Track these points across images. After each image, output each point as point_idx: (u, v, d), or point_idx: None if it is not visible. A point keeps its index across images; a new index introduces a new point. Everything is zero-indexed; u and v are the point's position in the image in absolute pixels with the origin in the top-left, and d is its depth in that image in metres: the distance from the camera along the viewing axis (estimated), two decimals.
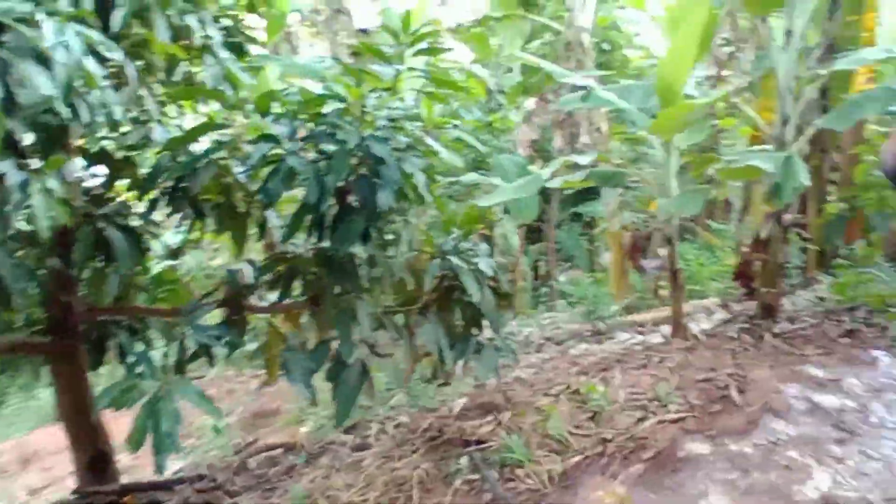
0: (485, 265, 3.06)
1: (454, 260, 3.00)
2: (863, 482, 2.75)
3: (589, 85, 4.07)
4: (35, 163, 2.03)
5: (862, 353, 3.74)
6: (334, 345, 2.79)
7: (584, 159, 3.87)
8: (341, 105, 2.56)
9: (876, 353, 3.72)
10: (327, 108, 2.59)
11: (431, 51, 2.79)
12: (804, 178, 3.35)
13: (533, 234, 7.62)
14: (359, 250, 2.74)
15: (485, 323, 3.25)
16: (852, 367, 3.63)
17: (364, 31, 7.84)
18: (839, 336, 3.94)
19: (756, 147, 4.16)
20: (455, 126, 2.86)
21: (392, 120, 2.59)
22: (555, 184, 3.82)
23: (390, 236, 2.91)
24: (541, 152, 6.94)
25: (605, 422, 3.33)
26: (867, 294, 4.22)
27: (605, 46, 8.32)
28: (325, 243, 2.68)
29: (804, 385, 3.51)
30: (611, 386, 3.66)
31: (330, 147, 2.50)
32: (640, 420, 3.31)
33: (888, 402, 3.32)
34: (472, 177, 4.30)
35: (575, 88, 4.22)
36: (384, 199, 2.47)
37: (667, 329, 4.67)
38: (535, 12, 7.01)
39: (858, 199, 4.11)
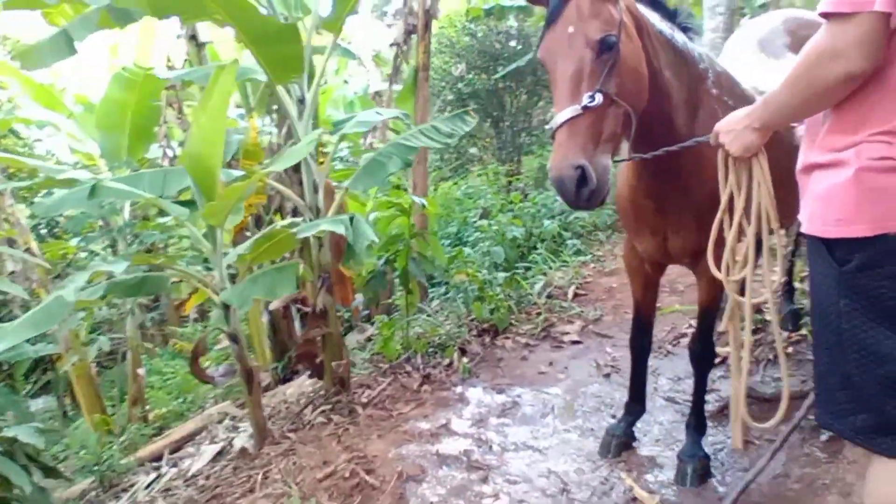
0: None
1: None
2: None
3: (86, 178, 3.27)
4: None
5: (448, 393, 3.88)
6: None
7: (118, 266, 3.05)
8: None
9: (458, 388, 3.91)
10: None
11: None
12: (373, 235, 3.30)
13: None
14: None
15: None
16: (448, 408, 3.72)
17: None
18: (420, 385, 4.01)
19: (297, 218, 3.97)
20: None
21: None
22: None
23: None
24: None
25: None
26: (414, 341, 4.44)
27: None
28: None
29: (421, 442, 3.42)
30: None
31: None
32: None
33: (495, 427, 3.49)
34: None
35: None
36: None
37: (242, 440, 4.06)
38: None
39: (390, 250, 4.32)
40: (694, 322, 4.04)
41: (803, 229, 1.57)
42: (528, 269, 5.18)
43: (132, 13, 3.14)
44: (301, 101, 3.79)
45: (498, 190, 7.22)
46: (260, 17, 2.92)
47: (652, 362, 3.69)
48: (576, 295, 4.73)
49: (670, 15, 2.28)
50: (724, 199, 1.90)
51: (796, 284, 3.84)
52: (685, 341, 3.90)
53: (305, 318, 4.86)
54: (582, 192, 1.87)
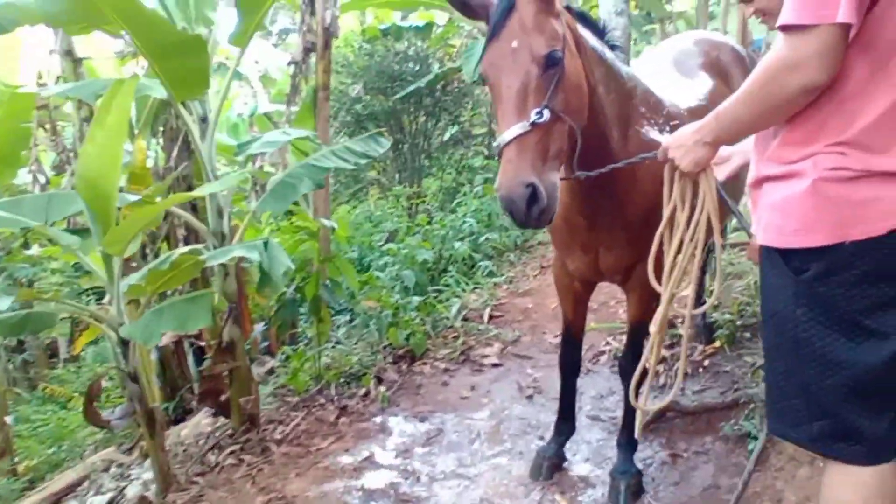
0: None
1: None
2: None
3: None
4: None
5: (368, 423, 3.70)
6: None
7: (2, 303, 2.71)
8: None
9: (378, 418, 3.74)
10: None
11: None
12: (288, 261, 3.11)
13: None
14: None
15: None
16: (369, 440, 3.55)
17: None
18: (336, 417, 3.81)
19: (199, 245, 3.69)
20: None
21: None
22: None
23: None
24: None
25: None
26: (325, 372, 4.24)
27: None
28: None
29: (344, 478, 3.24)
30: None
31: None
32: None
33: (421, 456, 3.35)
34: None
35: None
36: None
37: (137, 488, 3.70)
38: None
39: (299, 276, 4.12)
40: (611, 340, 4.12)
41: (759, 240, 1.57)
42: (440, 292, 5.10)
43: (16, 21, 2.82)
44: (203, 121, 3.56)
45: (402, 213, 7.12)
46: (164, 27, 2.69)
47: None
48: (492, 317, 4.69)
49: (599, 32, 2.28)
50: (666, 213, 1.89)
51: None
52: (605, 359, 3.93)
53: (201, 353, 4.55)
54: (532, 210, 1.82)
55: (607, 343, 4.05)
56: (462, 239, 5.62)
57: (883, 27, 1.29)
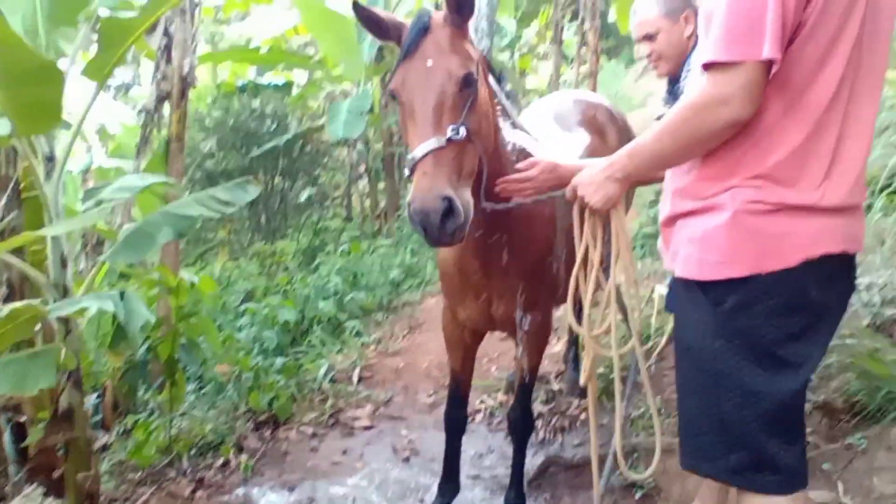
0: None
1: None
2: None
3: None
4: None
5: (229, 496, 3.35)
6: None
7: None
8: None
9: (241, 490, 3.40)
10: None
11: None
12: (148, 314, 2.80)
13: None
14: None
15: None
16: None
17: None
18: (192, 492, 3.41)
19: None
20: None
21: None
22: None
23: None
24: None
25: None
26: (175, 442, 3.82)
27: None
28: None
29: None
30: None
31: None
32: None
33: None
34: None
35: None
36: None
37: None
38: None
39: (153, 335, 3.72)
40: (485, 397, 4.07)
41: (677, 274, 1.59)
42: (304, 353, 4.84)
43: None
44: (50, 160, 3.17)
45: (260, 272, 6.79)
46: (18, 47, 2.37)
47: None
48: (361, 378, 4.49)
49: (497, 78, 2.31)
50: (580, 253, 1.88)
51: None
52: (480, 417, 3.86)
53: (20, 427, 3.96)
54: (447, 225, 1.73)
55: (482, 401, 3.99)
56: (327, 298, 5.41)
57: (797, 66, 1.37)
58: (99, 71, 3.15)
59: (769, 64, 1.32)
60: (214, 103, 8.49)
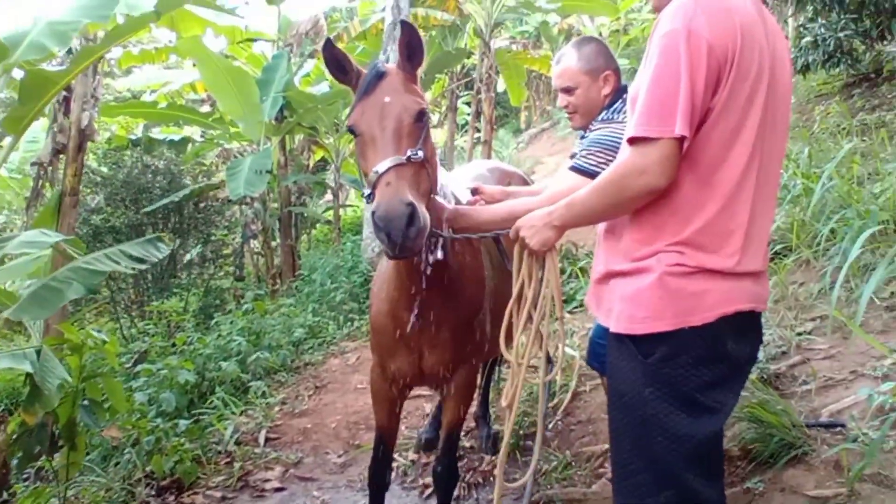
0: None
1: None
2: None
3: None
4: None
5: None
6: None
7: None
8: None
9: None
10: None
11: None
12: (65, 372, 2.71)
13: None
14: None
15: None
16: None
17: None
18: None
19: None
20: None
21: None
22: None
23: None
24: None
25: None
26: None
27: None
28: None
29: None
30: None
31: None
32: None
33: None
34: None
35: None
36: None
37: None
38: None
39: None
40: (397, 456, 4.11)
41: (611, 329, 1.76)
42: (205, 415, 4.69)
43: None
44: None
45: (154, 333, 6.51)
46: None
47: (359, 499, 3.60)
48: (269, 439, 4.40)
49: None
50: (516, 288, 2.05)
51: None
52: (393, 475, 3.88)
53: None
54: (410, 230, 1.84)
55: (394, 460, 4.02)
56: (228, 359, 5.29)
57: (707, 146, 1.60)
58: (16, 123, 3.08)
59: (681, 140, 1.55)
60: (105, 157, 8.19)
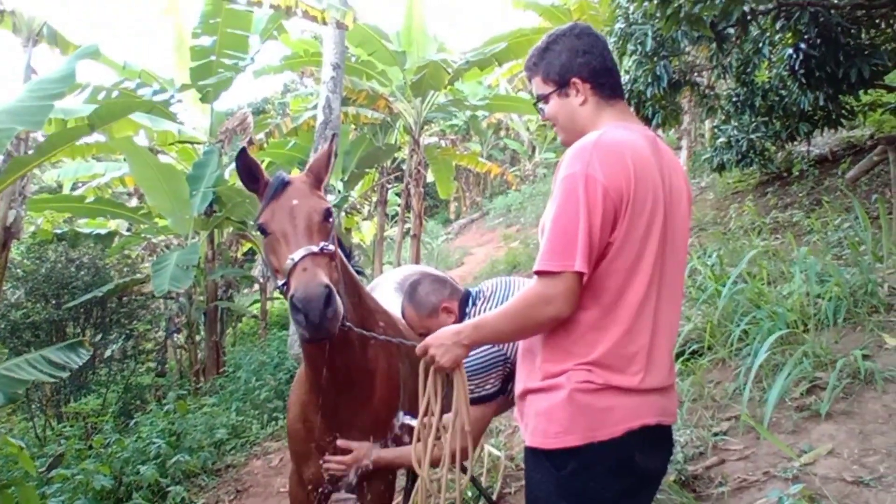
0: None
1: None
2: None
3: None
4: None
5: None
6: None
7: None
8: None
9: None
10: None
11: None
12: None
13: None
14: None
15: None
16: None
17: None
18: None
19: None
20: None
21: None
22: None
23: None
24: None
25: None
26: None
27: None
28: None
29: None
30: None
31: None
32: None
33: None
34: None
35: None
36: None
37: None
38: None
39: None
40: None
41: (526, 443, 1.89)
42: None
43: None
44: None
45: (71, 435, 6.30)
46: None
47: None
48: None
49: (347, 255, 2.66)
50: (423, 404, 2.13)
51: None
52: None
53: None
54: (328, 310, 1.96)
55: None
56: (146, 462, 5.18)
57: (610, 277, 1.76)
58: None
59: (581, 275, 1.72)
60: (29, 251, 8.07)
